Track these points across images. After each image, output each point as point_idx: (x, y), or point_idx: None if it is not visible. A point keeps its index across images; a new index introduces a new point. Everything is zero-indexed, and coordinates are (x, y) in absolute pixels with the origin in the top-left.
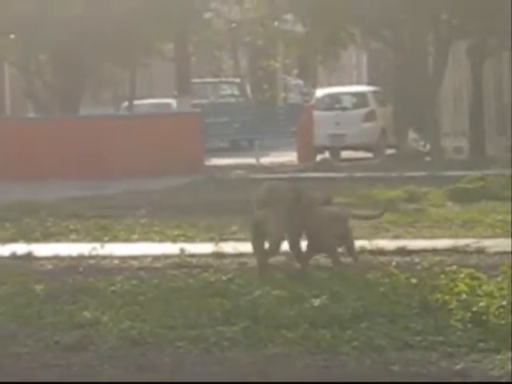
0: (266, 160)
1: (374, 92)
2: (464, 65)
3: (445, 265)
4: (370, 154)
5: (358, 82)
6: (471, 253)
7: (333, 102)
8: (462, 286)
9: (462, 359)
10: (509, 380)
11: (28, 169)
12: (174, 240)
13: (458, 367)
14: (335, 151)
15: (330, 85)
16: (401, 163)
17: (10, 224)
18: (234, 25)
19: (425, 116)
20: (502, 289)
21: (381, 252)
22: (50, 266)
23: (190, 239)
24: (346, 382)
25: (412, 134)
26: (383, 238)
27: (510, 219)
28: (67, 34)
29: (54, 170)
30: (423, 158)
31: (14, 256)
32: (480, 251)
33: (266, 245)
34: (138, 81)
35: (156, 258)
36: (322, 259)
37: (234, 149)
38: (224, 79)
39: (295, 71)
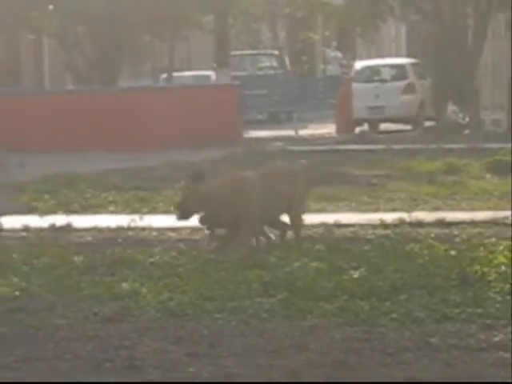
0: (304, 132)
1: (413, 64)
2: (503, 37)
3: (484, 237)
4: (408, 127)
5: (397, 55)
6: (510, 225)
7: (372, 74)
8: (501, 258)
9: (501, 331)
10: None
11: (67, 141)
12: None
13: (496, 339)
14: (374, 123)
15: (369, 57)
16: (440, 135)
17: (50, 196)
18: None
19: (464, 88)
20: None
21: (420, 224)
22: (88, 238)
23: None
24: (386, 353)
25: (451, 107)
26: (422, 210)
27: None
28: (106, 6)
29: (93, 142)
30: (462, 131)
31: (53, 228)
32: None
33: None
34: (177, 53)
35: (194, 229)
36: (361, 231)
37: (273, 121)
38: (263, 51)
39: (334, 43)
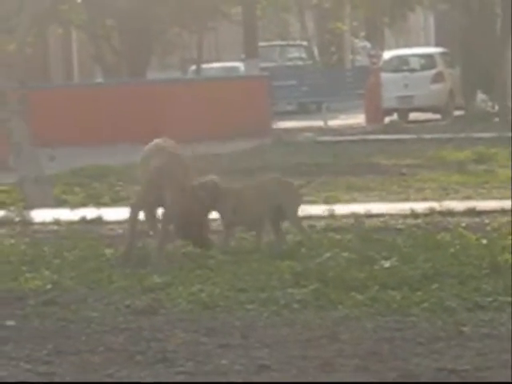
0: (333, 123)
1: (442, 53)
2: None
3: None
4: (438, 116)
5: (426, 44)
6: None
7: (400, 63)
8: None
9: None
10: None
11: (96, 134)
12: None
13: None
14: (403, 113)
15: (398, 47)
16: (469, 124)
17: (80, 189)
18: None
19: (493, 77)
20: None
21: (450, 213)
22: (119, 231)
23: None
24: (418, 343)
25: (480, 95)
26: (453, 199)
27: None
28: None
29: (122, 134)
30: (491, 119)
31: (83, 220)
32: None
33: None
34: (206, 44)
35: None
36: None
37: (302, 112)
38: (291, 42)
39: (362, 33)
